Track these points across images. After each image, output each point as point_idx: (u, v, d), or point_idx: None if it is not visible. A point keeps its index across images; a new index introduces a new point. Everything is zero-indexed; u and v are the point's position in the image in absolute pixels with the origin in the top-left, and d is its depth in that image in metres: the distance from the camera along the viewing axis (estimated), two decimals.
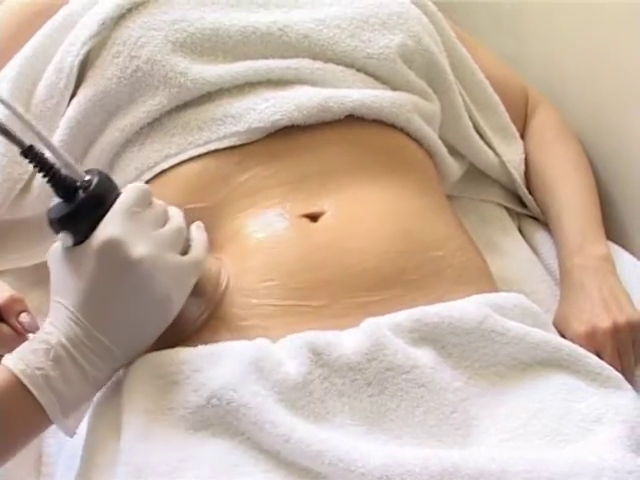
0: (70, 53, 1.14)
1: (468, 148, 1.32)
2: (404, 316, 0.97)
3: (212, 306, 0.99)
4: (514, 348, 0.98)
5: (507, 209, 1.37)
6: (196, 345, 0.95)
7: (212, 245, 1.04)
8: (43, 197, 1.15)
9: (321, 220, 1.05)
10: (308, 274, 1.00)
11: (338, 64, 1.16)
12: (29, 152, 0.87)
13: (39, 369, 0.86)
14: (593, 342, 1.10)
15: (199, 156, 1.10)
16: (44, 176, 0.89)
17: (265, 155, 1.10)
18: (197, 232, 1.00)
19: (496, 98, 1.34)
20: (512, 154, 1.35)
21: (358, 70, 1.17)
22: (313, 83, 1.14)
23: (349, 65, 1.16)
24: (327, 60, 1.16)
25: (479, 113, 1.32)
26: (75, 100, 1.14)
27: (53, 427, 0.89)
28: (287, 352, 0.94)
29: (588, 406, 0.95)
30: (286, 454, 0.88)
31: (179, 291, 0.94)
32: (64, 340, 0.88)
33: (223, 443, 0.89)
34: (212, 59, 1.14)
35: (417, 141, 1.18)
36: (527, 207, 1.36)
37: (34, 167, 0.88)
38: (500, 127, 1.35)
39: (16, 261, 1.18)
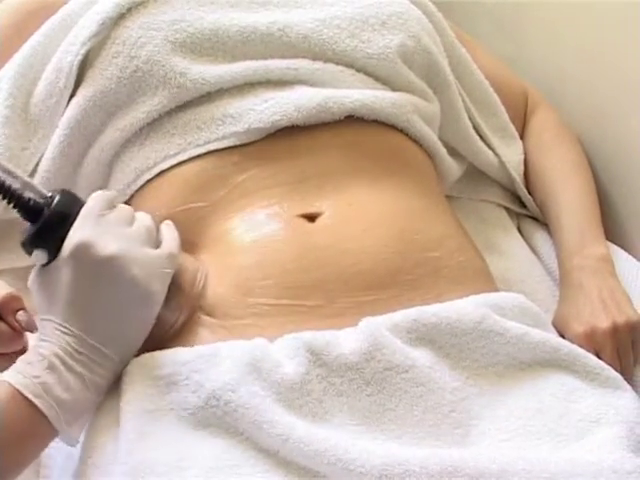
0: (70, 53, 1.14)
1: (467, 149, 1.32)
2: (401, 316, 0.98)
3: (190, 304, 1.00)
4: (513, 348, 0.98)
5: (506, 209, 1.37)
6: (193, 344, 0.96)
7: (209, 242, 1.04)
8: None
9: (318, 221, 1.05)
10: (304, 274, 1.01)
11: (338, 64, 1.16)
12: None
13: (36, 377, 0.87)
14: (592, 342, 1.10)
15: (198, 156, 1.11)
16: (8, 203, 0.91)
17: (264, 156, 1.10)
18: (167, 229, 1.01)
19: (496, 98, 1.34)
20: (511, 154, 1.35)
21: (358, 70, 1.17)
22: (313, 83, 1.14)
23: (349, 65, 1.16)
24: (327, 60, 1.16)
25: (479, 113, 1.32)
26: (74, 100, 1.14)
27: None
28: (285, 352, 0.94)
29: (587, 406, 0.95)
30: (285, 454, 0.88)
31: (158, 282, 0.94)
32: (57, 350, 0.89)
33: (222, 443, 0.89)
34: (212, 59, 1.14)
35: (417, 142, 1.18)
36: (526, 207, 1.36)
37: None
38: (499, 128, 1.35)
39: (14, 261, 1.18)
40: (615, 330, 1.10)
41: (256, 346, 0.94)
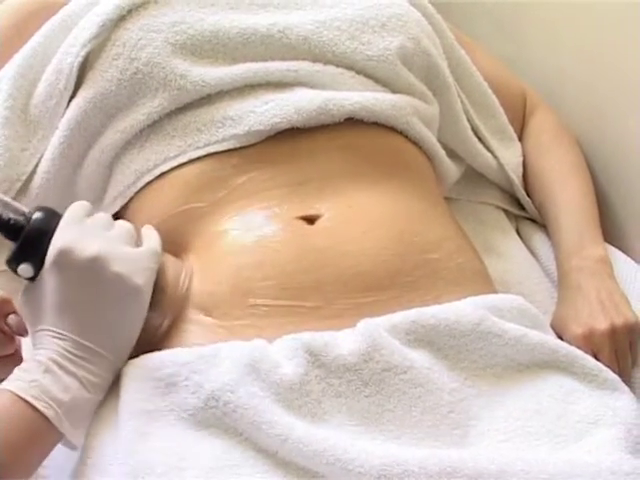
0: (70, 54, 1.14)
1: (466, 151, 1.32)
2: (400, 317, 0.98)
3: (175, 306, 1.00)
4: (511, 350, 0.98)
5: (505, 211, 1.37)
6: (190, 343, 0.97)
7: (207, 241, 1.05)
8: (41, 198, 1.16)
9: (318, 223, 1.06)
10: (303, 275, 1.01)
11: (338, 66, 1.16)
12: None
13: (33, 381, 0.88)
14: (590, 344, 1.10)
15: (198, 158, 1.11)
16: None
17: (264, 159, 1.10)
18: (148, 231, 1.03)
19: (494, 100, 1.34)
20: (510, 156, 1.35)
21: (358, 72, 1.17)
22: (313, 85, 1.14)
23: (349, 67, 1.16)
24: (327, 62, 1.16)
25: (477, 115, 1.32)
26: (75, 101, 1.14)
27: None
28: (284, 353, 0.94)
29: (585, 408, 0.96)
30: (284, 454, 0.88)
31: (142, 277, 0.95)
32: (52, 355, 0.90)
33: (221, 443, 0.90)
34: (212, 61, 1.14)
35: (416, 144, 1.18)
36: (525, 209, 1.36)
37: None
38: (498, 130, 1.35)
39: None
40: (613, 332, 1.10)
41: (255, 347, 0.94)
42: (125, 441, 0.90)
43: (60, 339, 0.91)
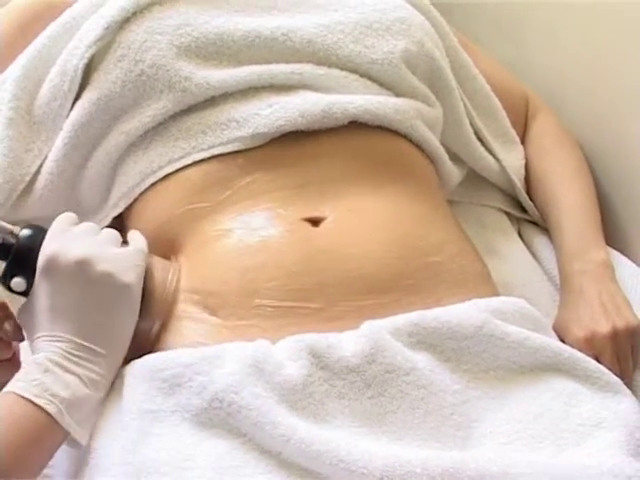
0: (74, 56, 1.14)
1: (469, 154, 1.32)
2: (403, 320, 0.98)
3: (164, 309, 1.01)
4: (514, 352, 0.99)
5: (507, 214, 1.37)
6: (195, 342, 0.97)
7: (210, 241, 1.05)
8: (45, 199, 1.16)
9: (322, 225, 1.06)
10: (307, 277, 1.01)
11: (342, 69, 1.16)
12: None
13: (34, 380, 0.89)
14: (592, 347, 1.10)
15: (202, 160, 1.11)
16: None
17: (268, 161, 1.10)
18: (134, 234, 1.04)
19: (497, 103, 1.34)
20: (512, 160, 1.35)
21: (362, 75, 1.17)
22: (317, 88, 1.14)
23: (353, 70, 1.16)
24: (331, 65, 1.16)
25: (480, 119, 1.32)
26: (79, 103, 1.14)
27: None
28: (287, 354, 0.94)
29: (587, 410, 0.96)
30: (287, 455, 0.89)
31: (132, 273, 0.97)
32: (51, 356, 0.91)
33: (225, 444, 0.90)
34: (216, 64, 1.14)
35: (419, 147, 1.19)
36: (527, 212, 1.36)
37: None
38: (501, 133, 1.35)
39: None
40: (615, 335, 1.11)
41: (258, 348, 0.94)
42: (128, 441, 0.90)
43: (57, 341, 0.93)
